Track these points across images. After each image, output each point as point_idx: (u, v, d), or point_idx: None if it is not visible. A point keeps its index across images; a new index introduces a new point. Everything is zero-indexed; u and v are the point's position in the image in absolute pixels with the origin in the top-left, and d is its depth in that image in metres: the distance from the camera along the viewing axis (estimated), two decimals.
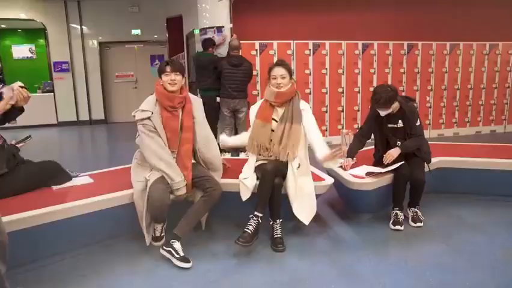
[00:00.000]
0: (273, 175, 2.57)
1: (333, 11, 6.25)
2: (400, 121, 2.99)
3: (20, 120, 8.65)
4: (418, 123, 2.98)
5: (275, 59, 5.67)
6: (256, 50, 5.69)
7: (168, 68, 2.57)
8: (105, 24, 9.24)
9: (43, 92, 9.46)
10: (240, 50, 5.21)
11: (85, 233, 2.50)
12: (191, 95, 2.75)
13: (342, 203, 3.34)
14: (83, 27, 9.16)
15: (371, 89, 6.12)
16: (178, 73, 2.59)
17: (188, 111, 2.64)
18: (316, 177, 2.80)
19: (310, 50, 5.89)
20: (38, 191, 2.60)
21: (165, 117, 2.55)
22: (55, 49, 9.08)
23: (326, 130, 6.12)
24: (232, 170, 2.95)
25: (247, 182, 2.62)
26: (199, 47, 5.80)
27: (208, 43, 5.28)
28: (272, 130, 2.72)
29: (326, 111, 6.09)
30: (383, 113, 2.93)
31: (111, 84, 9.68)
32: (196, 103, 2.73)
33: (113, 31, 9.33)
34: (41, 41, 10.08)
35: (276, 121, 2.73)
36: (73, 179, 2.83)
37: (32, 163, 2.72)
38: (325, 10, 6.22)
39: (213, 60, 5.21)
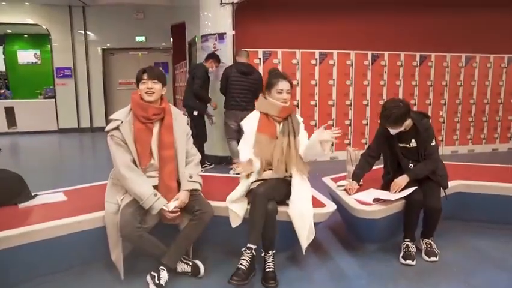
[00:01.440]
0: (265, 199, 2.25)
1: (341, 19, 5.93)
2: (413, 140, 2.64)
3: (21, 126, 8.74)
4: (433, 143, 2.63)
5: (280, 69, 5.40)
6: (260, 59, 5.40)
7: (145, 76, 2.30)
8: (109, 30, 9.09)
9: (45, 98, 9.31)
10: (248, 59, 4.93)
11: (51, 258, 2.21)
12: (174, 109, 2.46)
13: (345, 229, 2.99)
14: (87, 33, 9.01)
15: (381, 102, 5.86)
16: (156, 81, 2.30)
17: (167, 125, 2.33)
18: (316, 202, 2.45)
19: (316, 59, 5.58)
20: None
21: (137, 128, 2.25)
22: (58, 55, 8.93)
23: (332, 145, 5.75)
24: (224, 191, 2.64)
25: (235, 208, 2.30)
26: (200, 55, 5.56)
27: (211, 56, 4.99)
28: None
29: (333, 125, 5.74)
30: (393, 131, 2.59)
31: (114, 92, 9.49)
32: (179, 117, 2.45)
33: (117, 38, 9.17)
34: (47, 47, 9.96)
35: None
36: (43, 196, 2.56)
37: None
38: (333, 18, 5.90)
39: (194, 67, 4.94)
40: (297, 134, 2.48)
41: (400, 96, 5.90)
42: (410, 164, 2.65)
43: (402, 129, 2.56)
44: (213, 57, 4.98)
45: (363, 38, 5.89)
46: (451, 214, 2.90)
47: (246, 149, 2.44)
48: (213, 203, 2.38)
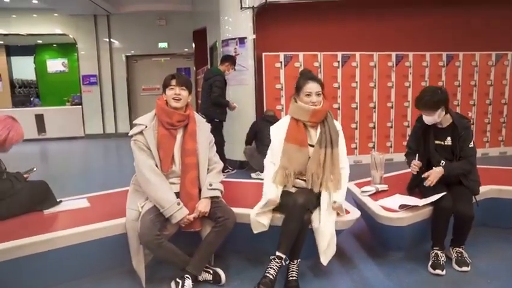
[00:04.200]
0: (304, 210, 2.20)
1: (364, 20, 5.80)
2: (449, 138, 2.55)
3: (50, 133, 9.03)
4: (471, 145, 2.53)
5: None
6: (281, 62, 5.36)
7: (174, 82, 2.29)
8: (133, 37, 9.30)
9: (72, 105, 9.59)
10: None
11: (73, 264, 2.23)
12: (198, 116, 2.45)
13: (370, 235, 2.90)
14: (111, 40, 9.25)
15: (406, 104, 5.72)
16: (184, 88, 2.30)
17: (191, 132, 2.32)
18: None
19: (339, 62, 5.49)
20: (25, 216, 2.37)
21: (160, 134, 2.25)
22: (85, 63, 9.22)
23: (356, 148, 5.65)
24: (246, 197, 2.62)
25: (261, 219, 2.27)
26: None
27: (227, 59, 4.92)
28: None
29: (356, 128, 5.63)
30: (427, 119, 2.51)
31: (137, 97, 9.68)
32: (202, 125, 2.43)
33: (140, 44, 9.38)
34: (74, 55, 10.27)
35: (311, 145, 2.35)
36: (68, 202, 2.60)
37: (26, 186, 2.49)
38: (355, 19, 5.79)
39: (211, 76, 4.83)
40: (335, 146, 2.31)
41: None
42: (442, 161, 2.54)
43: (436, 119, 2.49)
44: (229, 59, 4.90)
45: (386, 39, 5.74)
46: (483, 221, 2.77)
47: (271, 186, 2.30)
48: (235, 210, 2.34)
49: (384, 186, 2.83)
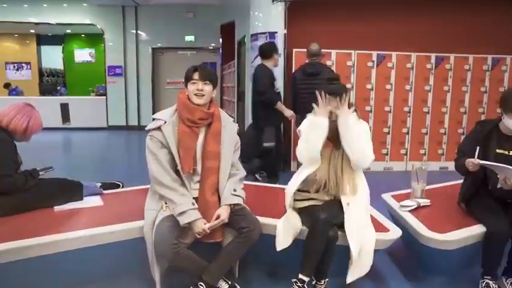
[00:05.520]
0: (328, 226, 1.96)
1: (402, 18, 5.43)
2: None
3: (74, 122, 9.06)
4: None
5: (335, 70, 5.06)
6: None
7: (196, 75, 2.05)
8: (160, 30, 9.19)
9: (96, 95, 9.61)
10: (320, 57, 4.43)
11: (83, 268, 2.06)
12: (224, 114, 2.19)
13: (407, 254, 2.61)
14: (138, 32, 9.18)
15: (444, 109, 5.34)
16: (207, 82, 2.06)
17: (214, 133, 2.08)
18: (377, 226, 2.11)
19: (373, 61, 5.15)
20: (32, 214, 2.21)
21: (181, 131, 2.02)
22: (111, 54, 9.17)
23: (387, 154, 5.29)
24: (273, 205, 2.39)
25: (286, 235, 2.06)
26: (249, 55, 5.35)
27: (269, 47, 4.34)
28: None
29: (388, 133, 5.27)
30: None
31: (162, 91, 9.58)
32: (228, 125, 2.16)
33: (167, 37, 9.26)
34: (101, 46, 10.30)
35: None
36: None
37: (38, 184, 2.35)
38: (392, 17, 5.42)
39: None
40: None
41: (466, 104, 5.33)
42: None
43: None
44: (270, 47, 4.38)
45: (426, 39, 5.35)
46: None
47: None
48: (261, 219, 2.11)
49: (426, 201, 2.53)
